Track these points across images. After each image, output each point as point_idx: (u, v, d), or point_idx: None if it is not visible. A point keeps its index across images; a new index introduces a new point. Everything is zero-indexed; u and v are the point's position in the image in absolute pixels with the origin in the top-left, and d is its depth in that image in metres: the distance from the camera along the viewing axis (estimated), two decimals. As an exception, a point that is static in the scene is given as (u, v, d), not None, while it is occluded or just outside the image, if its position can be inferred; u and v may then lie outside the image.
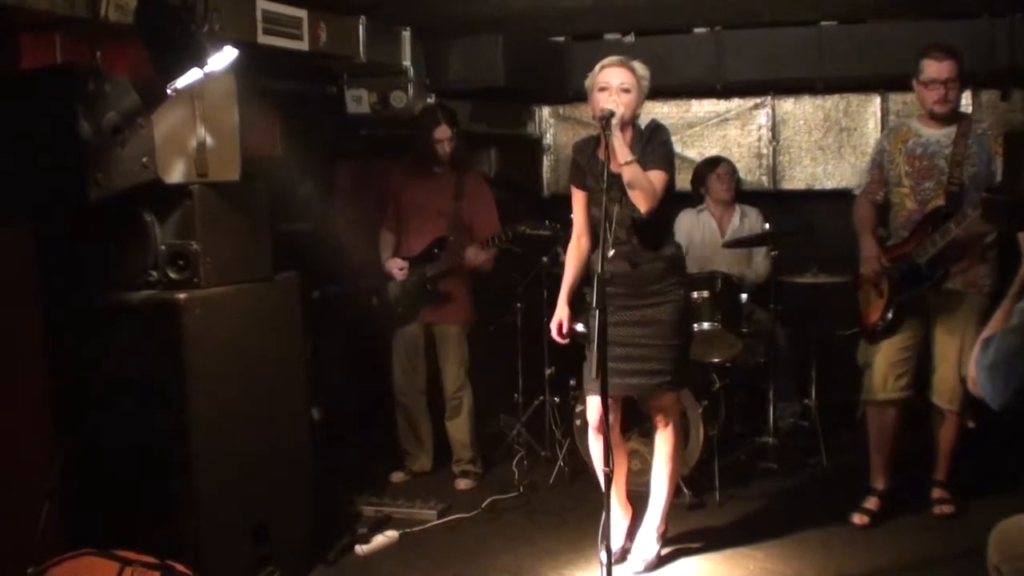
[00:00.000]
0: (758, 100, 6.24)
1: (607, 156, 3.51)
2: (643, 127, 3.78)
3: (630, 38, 5.90)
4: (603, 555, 3.20)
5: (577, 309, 4.03)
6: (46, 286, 3.42)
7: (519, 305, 5.34)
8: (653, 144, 3.72)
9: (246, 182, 3.68)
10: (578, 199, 3.96)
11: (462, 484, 5.04)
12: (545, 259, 5.17)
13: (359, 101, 5.39)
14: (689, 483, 4.62)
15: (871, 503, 4.38)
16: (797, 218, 5.95)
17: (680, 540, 4.22)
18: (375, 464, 5.20)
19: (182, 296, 3.33)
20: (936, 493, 4.41)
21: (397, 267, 5.00)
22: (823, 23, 5.63)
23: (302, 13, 4.41)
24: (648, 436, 4.14)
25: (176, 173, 3.39)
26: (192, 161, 3.42)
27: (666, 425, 3.96)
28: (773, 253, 5.18)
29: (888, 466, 4.39)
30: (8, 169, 3.00)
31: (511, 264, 5.29)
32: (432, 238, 4.96)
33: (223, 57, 3.22)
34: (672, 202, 3.88)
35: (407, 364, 5.08)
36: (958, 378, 4.15)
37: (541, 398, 5.34)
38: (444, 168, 4.99)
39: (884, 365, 4.30)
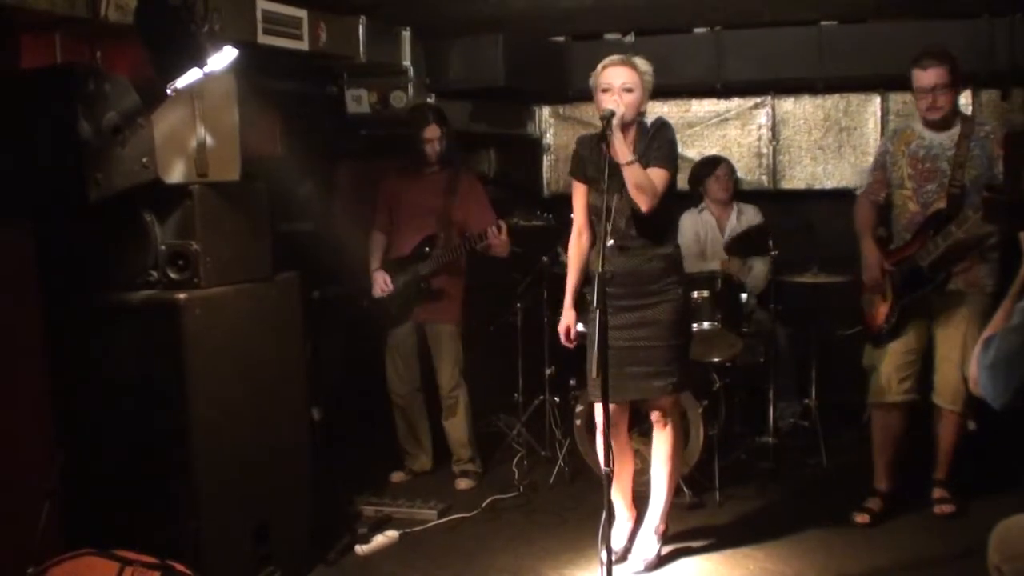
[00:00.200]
0: (758, 100, 6.24)
1: (609, 151, 3.51)
2: (648, 124, 3.78)
3: (630, 38, 5.90)
4: (603, 555, 3.20)
5: (578, 309, 4.02)
6: (46, 286, 3.42)
7: (519, 305, 5.34)
8: (658, 141, 3.72)
9: (246, 182, 3.67)
10: (578, 192, 3.95)
11: (462, 484, 5.03)
12: (545, 259, 5.17)
13: (359, 101, 5.39)
14: (689, 483, 4.62)
15: (873, 503, 4.38)
16: (797, 217, 5.95)
17: (680, 540, 4.21)
18: (375, 464, 5.20)
19: (182, 296, 3.33)
20: (936, 493, 4.41)
21: (381, 281, 4.97)
22: (823, 23, 5.64)
23: (302, 13, 4.41)
24: (648, 436, 4.14)
25: (176, 173, 3.39)
26: (192, 161, 3.42)
27: (665, 425, 3.96)
28: (773, 253, 5.18)
29: (892, 468, 4.39)
30: (8, 169, 3.00)
31: (511, 264, 5.29)
32: (422, 237, 4.97)
33: (223, 57, 3.22)
34: (674, 200, 3.88)
35: (400, 364, 5.07)
36: (960, 378, 4.15)
37: (541, 398, 5.34)
38: (435, 167, 5.00)
39: (889, 368, 4.30)
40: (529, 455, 5.22)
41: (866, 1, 5.33)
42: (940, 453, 4.40)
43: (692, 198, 5.77)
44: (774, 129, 6.23)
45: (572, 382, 5.00)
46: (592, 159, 3.83)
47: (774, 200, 6.13)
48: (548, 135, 6.81)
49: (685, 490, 4.58)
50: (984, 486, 4.48)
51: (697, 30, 5.91)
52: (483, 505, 4.68)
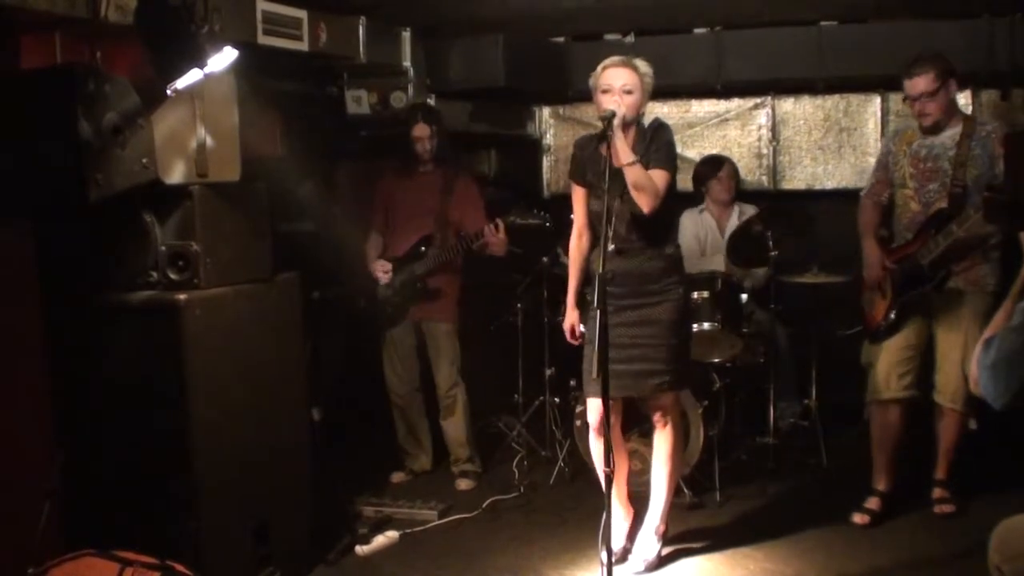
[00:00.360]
0: (758, 100, 6.24)
1: (609, 152, 3.51)
2: (647, 125, 3.78)
3: (630, 38, 5.90)
4: (603, 555, 3.20)
5: (579, 308, 4.03)
6: (46, 286, 3.42)
7: (519, 305, 5.34)
8: (657, 143, 3.72)
9: (246, 182, 3.67)
10: (578, 195, 3.96)
11: (463, 484, 5.03)
12: (545, 259, 5.17)
13: (359, 101, 5.39)
14: (689, 483, 4.62)
15: (872, 503, 4.38)
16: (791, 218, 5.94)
17: (680, 540, 4.21)
18: (375, 464, 5.20)
19: (182, 296, 3.33)
20: (936, 492, 4.41)
21: (381, 270, 5.00)
22: (823, 23, 5.64)
23: (302, 13, 4.41)
24: (648, 436, 4.14)
25: (176, 173, 3.39)
26: (192, 161, 3.42)
27: (665, 424, 3.96)
28: (773, 253, 5.18)
29: (891, 467, 4.39)
30: (8, 169, 2.99)
31: (511, 264, 5.29)
32: (418, 237, 4.97)
33: (223, 57, 3.22)
34: (674, 201, 3.87)
35: (399, 364, 5.08)
36: (961, 377, 4.15)
37: (541, 398, 5.34)
38: (429, 167, 5.00)
39: (887, 365, 4.30)
40: (529, 455, 5.21)
41: (866, 1, 5.34)
42: (940, 452, 4.40)
43: (695, 198, 5.77)
44: (774, 129, 6.23)
45: (572, 383, 5.00)
46: (591, 162, 3.83)
47: (774, 200, 6.11)
48: (548, 135, 6.81)
49: (685, 490, 4.58)
50: (984, 486, 4.48)
51: (697, 30, 5.91)
52: (483, 505, 4.68)
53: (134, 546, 3.09)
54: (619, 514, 4.11)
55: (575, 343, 4.04)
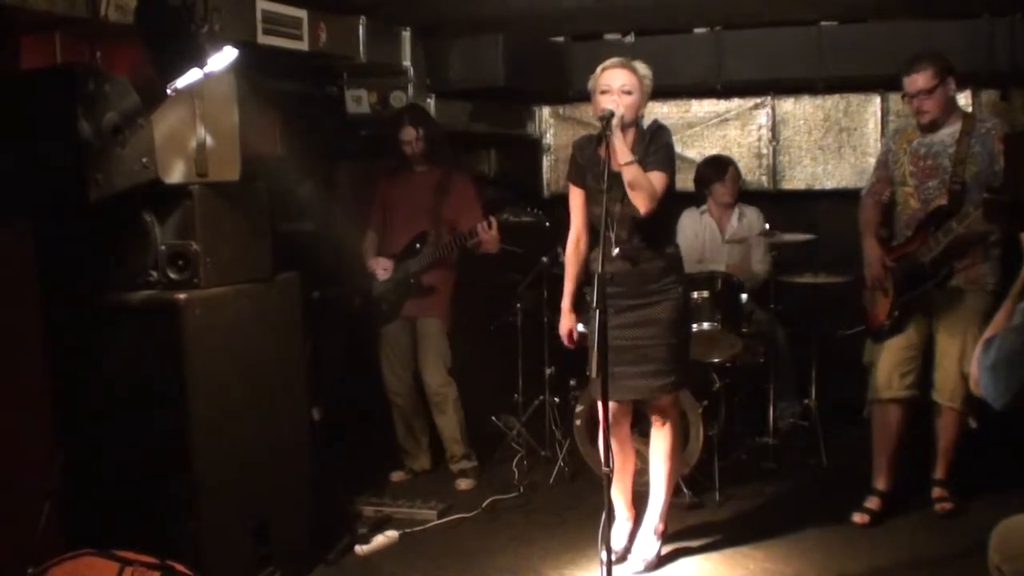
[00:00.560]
0: (758, 100, 6.24)
1: (608, 155, 3.51)
2: (645, 127, 3.78)
3: (630, 38, 5.90)
4: (603, 555, 3.20)
5: (578, 309, 4.02)
6: (46, 286, 3.42)
7: (519, 305, 5.34)
8: (655, 145, 3.72)
9: (246, 182, 3.67)
10: (576, 197, 3.95)
11: (463, 484, 5.03)
12: (545, 259, 5.17)
13: (359, 101, 5.40)
14: (689, 483, 4.62)
15: (872, 503, 4.38)
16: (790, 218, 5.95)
17: (680, 540, 4.21)
18: (375, 464, 5.20)
19: (182, 296, 3.33)
20: (936, 492, 4.41)
21: (381, 267, 5.02)
22: (823, 23, 5.64)
23: (302, 13, 4.42)
24: (648, 436, 4.14)
25: (176, 173, 3.39)
26: (192, 161, 3.42)
27: (663, 424, 3.96)
28: (773, 253, 5.18)
29: (891, 466, 4.39)
30: (8, 169, 2.99)
31: (511, 264, 5.29)
32: (414, 235, 4.98)
33: (223, 57, 3.22)
34: (672, 202, 3.87)
35: (396, 363, 5.09)
36: (960, 375, 4.15)
37: (541, 398, 5.33)
38: (425, 166, 5.02)
39: (889, 364, 4.31)
40: (529, 455, 5.21)
41: (866, 1, 5.34)
42: (939, 451, 4.40)
43: (696, 198, 5.76)
44: (774, 129, 6.24)
45: (572, 382, 5.00)
46: (590, 165, 3.82)
47: (774, 200, 6.13)
48: (548, 135, 6.81)
49: (685, 490, 4.58)
50: (984, 485, 4.48)
51: (697, 30, 5.91)
52: (483, 505, 4.68)
53: (134, 546, 3.08)
54: (622, 515, 4.11)
55: (572, 347, 4.04)
